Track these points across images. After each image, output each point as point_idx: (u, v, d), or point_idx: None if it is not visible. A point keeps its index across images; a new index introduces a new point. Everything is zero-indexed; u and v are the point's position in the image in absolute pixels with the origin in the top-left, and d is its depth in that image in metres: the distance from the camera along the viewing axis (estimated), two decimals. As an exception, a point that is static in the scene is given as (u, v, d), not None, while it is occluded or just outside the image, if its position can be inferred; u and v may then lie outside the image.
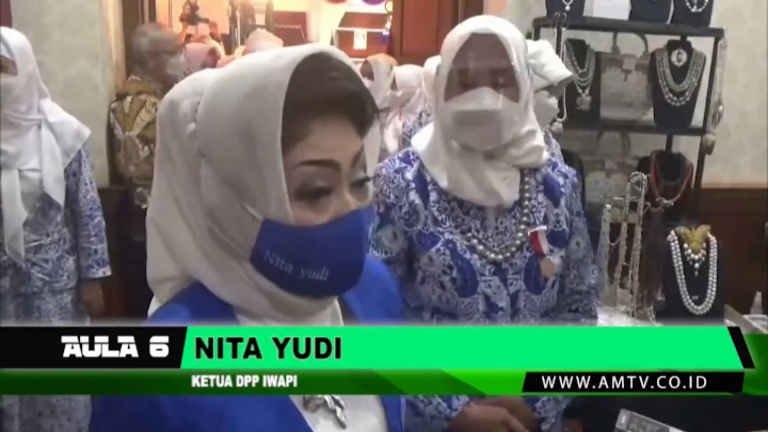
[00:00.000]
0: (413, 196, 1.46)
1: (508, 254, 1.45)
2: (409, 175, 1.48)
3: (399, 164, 1.51)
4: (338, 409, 0.83)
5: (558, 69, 2.24)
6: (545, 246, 1.48)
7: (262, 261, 0.78)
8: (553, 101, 2.29)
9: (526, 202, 1.49)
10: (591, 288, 1.61)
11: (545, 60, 2.21)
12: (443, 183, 1.45)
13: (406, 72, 3.53)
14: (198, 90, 0.80)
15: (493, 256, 1.44)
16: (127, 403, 0.73)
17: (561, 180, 1.55)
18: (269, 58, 0.77)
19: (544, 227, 1.48)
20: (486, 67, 1.38)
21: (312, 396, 0.82)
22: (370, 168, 0.84)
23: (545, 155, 1.52)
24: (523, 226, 1.47)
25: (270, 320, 0.81)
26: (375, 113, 0.84)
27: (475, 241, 1.45)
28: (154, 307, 0.86)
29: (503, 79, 1.38)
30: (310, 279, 0.78)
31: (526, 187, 1.49)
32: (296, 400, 0.81)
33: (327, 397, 0.83)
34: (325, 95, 0.77)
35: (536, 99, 2.21)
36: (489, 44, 1.38)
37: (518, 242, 1.46)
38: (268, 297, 0.80)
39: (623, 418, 1.58)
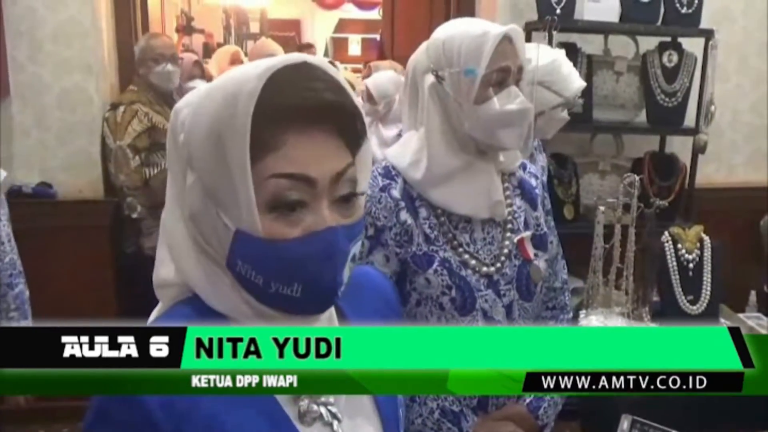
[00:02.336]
0: (404, 215, 1.40)
1: (499, 265, 1.43)
2: (396, 192, 1.41)
3: (383, 181, 1.41)
4: (335, 423, 0.82)
5: (574, 83, 2.19)
6: (531, 251, 1.46)
7: (235, 271, 0.77)
8: (566, 113, 2.27)
9: (509, 209, 1.46)
10: (564, 283, 1.61)
11: (564, 74, 2.17)
12: (439, 200, 1.41)
13: (382, 80, 3.42)
14: (194, 100, 0.81)
15: (485, 269, 1.42)
16: (119, 412, 0.73)
17: (533, 181, 1.53)
18: (248, 67, 0.76)
19: (528, 233, 1.46)
20: (516, 65, 1.39)
21: (308, 409, 0.81)
22: (363, 184, 0.82)
23: (519, 161, 1.51)
24: (509, 234, 1.45)
25: None
26: (363, 128, 0.81)
27: (467, 255, 1.41)
28: (155, 313, 0.87)
29: (520, 76, 1.40)
30: (282, 294, 0.76)
31: (507, 192, 1.47)
32: (291, 413, 0.80)
33: (323, 410, 0.82)
34: (302, 105, 0.75)
35: (551, 114, 2.20)
36: (512, 45, 1.38)
37: (506, 251, 1.44)
38: (250, 307, 0.79)
39: (625, 423, 1.56)
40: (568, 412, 1.80)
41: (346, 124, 0.79)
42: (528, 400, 1.47)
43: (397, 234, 1.40)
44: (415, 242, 1.40)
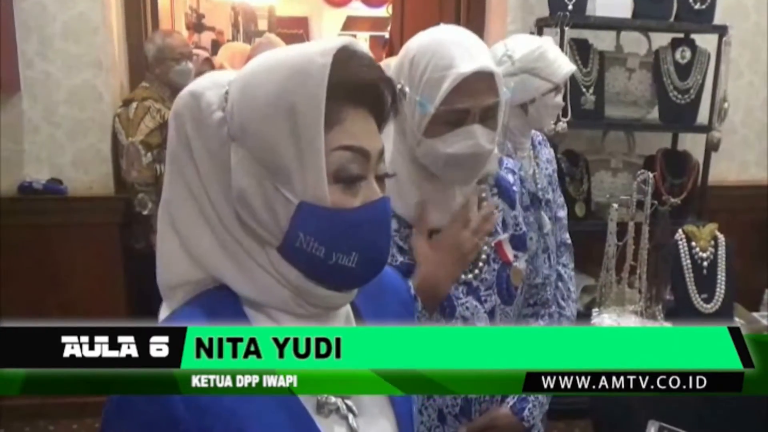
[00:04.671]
0: None
1: (477, 270, 1.38)
2: None
3: None
4: (350, 416, 0.83)
5: (562, 67, 2.19)
6: (510, 253, 1.40)
7: (294, 246, 0.77)
8: (559, 99, 2.25)
9: None
10: (545, 279, 1.55)
11: (550, 59, 2.16)
12: (403, 212, 1.35)
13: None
14: (220, 82, 0.81)
15: (463, 276, 1.36)
16: (141, 407, 0.72)
17: (511, 177, 1.46)
18: (306, 45, 0.79)
19: (506, 235, 1.40)
20: (481, 105, 1.27)
21: (325, 402, 0.81)
22: (388, 163, 0.86)
23: (497, 160, 1.42)
24: (486, 238, 1.38)
25: (286, 320, 0.81)
26: (394, 109, 0.86)
27: None
28: (164, 314, 0.85)
29: (491, 113, 1.29)
30: (340, 265, 0.78)
31: (483, 194, 1.40)
32: (309, 405, 0.80)
33: (340, 403, 0.82)
34: (359, 84, 0.79)
35: (543, 101, 2.19)
36: (484, 82, 1.26)
37: (483, 256, 1.38)
38: (291, 288, 0.80)
39: (651, 429, 1.54)
40: (577, 410, 1.78)
41: (381, 102, 0.83)
42: (511, 403, 1.43)
43: None
44: (389, 252, 1.35)
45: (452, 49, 1.27)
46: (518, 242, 1.43)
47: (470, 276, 1.38)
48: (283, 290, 0.80)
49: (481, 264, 1.38)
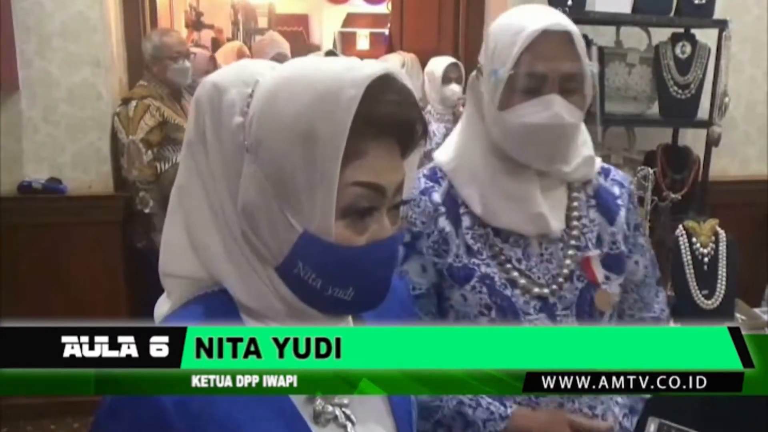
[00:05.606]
0: (443, 222, 1.26)
1: (555, 286, 1.25)
2: (438, 197, 1.27)
3: (425, 184, 1.28)
4: (349, 425, 0.82)
5: None
6: (600, 273, 1.27)
7: (291, 272, 0.76)
8: None
9: (575, 222, 1.28)
10: (661, 313, 1.38)
11: None
12: (478, 209, 1.25)
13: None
14: (246, 80, 0.78)
15: (537, 290, 1.24)
16: (132, 411, 0.72)
17: (616, 190, 1.33)
18: (340, 67, 0.75)
19: (597, 251, 1.27)
20: (560, 71, 1.17)
21: (323, 410, 0.81)
22: (406, 191, 0.83)
23: (597, 164, 1.31)
24: (572, 252, 1.26)
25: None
26: (423, 140, 0.82)
27: (516, 273, 1.24)
28: (163, 306, 0.85)
29: (573, 84, 1.19)
30: (335, 297, 0.77)
31: (575, 204, 1.29)
32: (306, 414, 0.80)
33: (338, 412, 0.82)
34: (388, 119, 0.76)
35: None
36: (560, 43, 1.17)
37: (567, 271, 1.25)
38: (286, 305, 0.79)
39: (651, 426, 1.53)
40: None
41: (410, 136, 0.80)
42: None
43: (435, 242, 1.26)
44: (453, 252, 1.25)
45: (524, 15, 1.21)
46: (613, 263, 1.29)
47: (546, 291, 1.25)
48: (280, 305, 0.79)
49: (561, 280, 1.26)
